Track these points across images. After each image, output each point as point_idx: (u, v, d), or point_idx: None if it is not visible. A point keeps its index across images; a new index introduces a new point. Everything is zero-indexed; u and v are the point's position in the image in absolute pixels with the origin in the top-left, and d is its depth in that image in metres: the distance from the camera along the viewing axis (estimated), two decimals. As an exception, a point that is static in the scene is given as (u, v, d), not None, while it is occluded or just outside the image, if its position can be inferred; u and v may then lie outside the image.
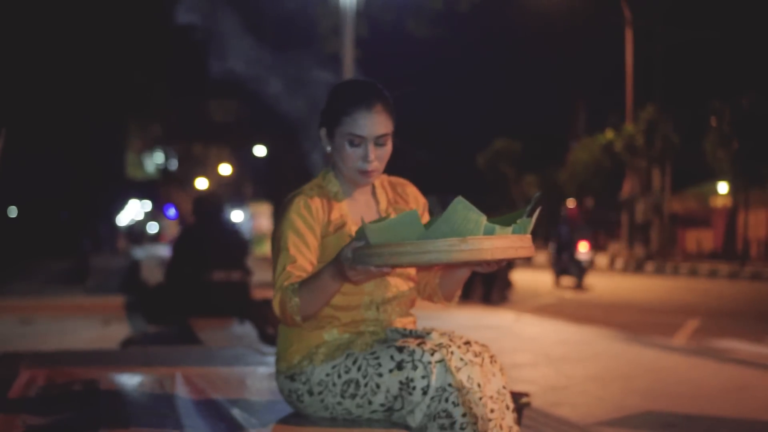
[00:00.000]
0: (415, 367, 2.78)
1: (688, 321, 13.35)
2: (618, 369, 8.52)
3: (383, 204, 3.21)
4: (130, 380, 3.89)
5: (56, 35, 34.18)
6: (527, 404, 3.66)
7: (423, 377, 2.76)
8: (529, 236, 2.63)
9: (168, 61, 39.87)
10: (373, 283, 3.04)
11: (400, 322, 3.11)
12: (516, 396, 3.39)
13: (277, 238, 3.04)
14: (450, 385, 2.75)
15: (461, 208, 2.53)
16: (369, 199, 3.21)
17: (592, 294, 19.43)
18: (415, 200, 3.29)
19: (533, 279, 23.84)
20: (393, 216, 3.12)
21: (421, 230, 2.55)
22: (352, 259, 2.64)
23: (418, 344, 2.82)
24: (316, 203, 3.06)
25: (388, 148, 3.06)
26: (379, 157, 3.03)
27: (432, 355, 2.78)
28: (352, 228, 3.07)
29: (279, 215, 3.08)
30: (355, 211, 3.14)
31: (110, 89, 39.86)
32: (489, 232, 2.56)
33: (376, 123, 2.98)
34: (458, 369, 2.80)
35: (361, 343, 2.99)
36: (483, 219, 2.54)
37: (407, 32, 22.26)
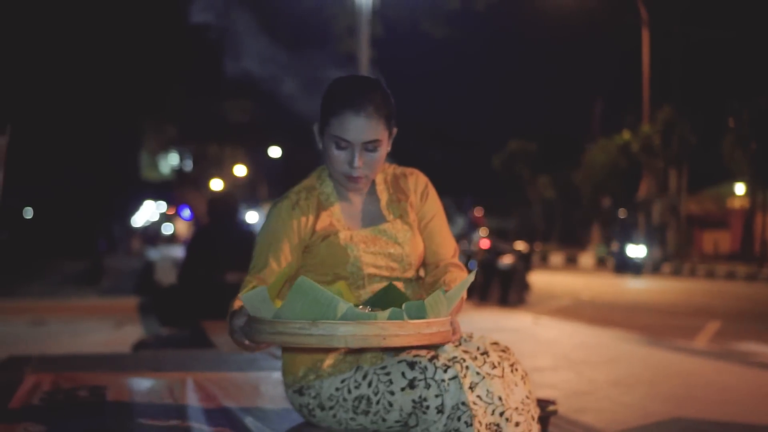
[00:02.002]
0: (428, 386, 2.60)
1: (708, 323, 13.20)
2: (641, 373, 8.35)
3: (383, 202, 3.02)
4: (139, 386, 3.75)
5: (72, 37, 34.21)
6: (554, 412, 3.49)
7: (437, 396, 2.59)
8: (421, 321, 2.30)
9: (183, 62, 39.88)
10: (369, 290, 2.89)
11: None
12: (542, 404, 3.22)
13: (255, 246, 2.93)
14: (463, 403, 2.58)
15: (307, 288, 2.29)
16: (366, 201, 3.02)
17: (609, 296, 19.27)
18: (414, 191, 3.06)
19: (550, 281, 23.71)
20: (391, 218, 2.96)
21: (272, 308, 2.35)
22: (241, 326, 2.46)
23: (431, 359, 2.64)
24: (301, 211, 2.91)
25: (380, 154, 2.84)
26: (367, 163, 2.82)
27: (445, 371, 2.60)
28: (342, 235, 2.90)
29: (264, 220, 2.96)
30: (349, 214, 2.97)
31: (125, 90, 39.91)
32: (350, 317, 2.27)
33: (364, 128, 2.77)
34: (474, 385, 2.62)
35: (370, 357, 2.84)
36: (338, 302, 2.27)
37: (423, 32, 22.16)
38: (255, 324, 2.32)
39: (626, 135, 36.23)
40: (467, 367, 2.63)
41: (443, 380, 2.58)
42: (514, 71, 49.79)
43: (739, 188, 34.89)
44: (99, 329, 11.61)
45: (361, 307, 2.43)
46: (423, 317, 2.33)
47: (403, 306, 2.34)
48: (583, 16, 36.84)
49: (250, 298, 2.36)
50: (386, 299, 2.61)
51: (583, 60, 43.57)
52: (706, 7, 36.20)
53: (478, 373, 2.62)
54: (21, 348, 8.86)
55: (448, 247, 3.04)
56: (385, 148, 2.86)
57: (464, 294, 2.79)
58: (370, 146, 2.80)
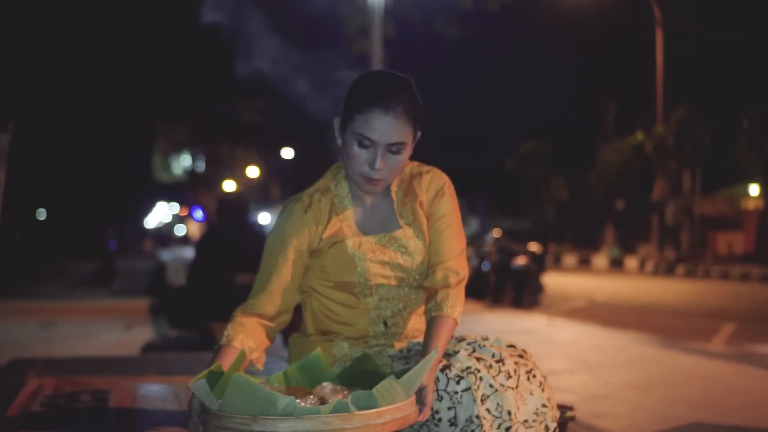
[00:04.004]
0: (440, 398, 2.50)
1: (723, 325, 13.08)
2: (658, 376, 8.23)
3: (396, 205, 2.89)
4: (144, 390, 3.63)
5: (85, 38, 34.25)
6: (572, 418, 3.37)
7: (449, 408, 2.50)
8: (371, 411, 2.17)
9: (195, 63, 39.92)
10: (378, 297, 2.79)
11: (419, 331, 2.87)
12: (560, 409, 3.10)
13: (264, 249, 2.83)
14: (477, 416, 2.47)
15: (243, 385, 2.19)
16: (380, 203, 2.88)
17: (623, 297, 19.16)
18: (426, 191, 2.91)
19: (563, 282, 23.59)
20: (403, 223, 2.85)
21: (214, 401, 2.27)
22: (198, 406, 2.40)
23: (443, 369, 2.54)
24: (312, 215, 2.79)
25: (403, 157, 2.70)
26: (389, 165, 2.68)
27: (458, 383, 2.50)
28: (350, 243, 2.78)
29: (276, 220, 2.85)
30: (361, 219, 2.85)
31: (137, 92, 39.97)
32: (291, 412, 2.14)
33: (391, 129, 2.62)
34: (486, 397, 2.51)
35: (380, 364, 2.71)
36: (277, 397, 2.15)
37: (435, 33, 22.09)
38: (204, 415, 2.29)
39: (639, 136, 36.08)
40: (481, 378, 2.52)
41: (456, 392, 2.48)
42: (527, 71, 49.65)
43: (753, 189, 34.71)
44: (109, 331, 11.57)
45: (314, 401, 2.28)
46: (373, 406, 2.20)
47: (349, 397, 2.20)
48: (597, 16, 36.69)
49: (197, 388, 2.30)
50: (360, 369, 2.52)
51: (596, 60, 43.39)
52: (719, 7, 36.07)
53: (491, 386, 2.51)
54: (30, 350, 8.82)
55: (451, 247, 2.84)
56: (408, 151, 2.72)
57: (458, 316, 2.69)
58: (394, 148, 2.66)
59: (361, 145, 2.65)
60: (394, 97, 2.63)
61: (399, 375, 2.32)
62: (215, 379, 2.35)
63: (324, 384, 2.34)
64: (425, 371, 2.34)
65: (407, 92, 2.68)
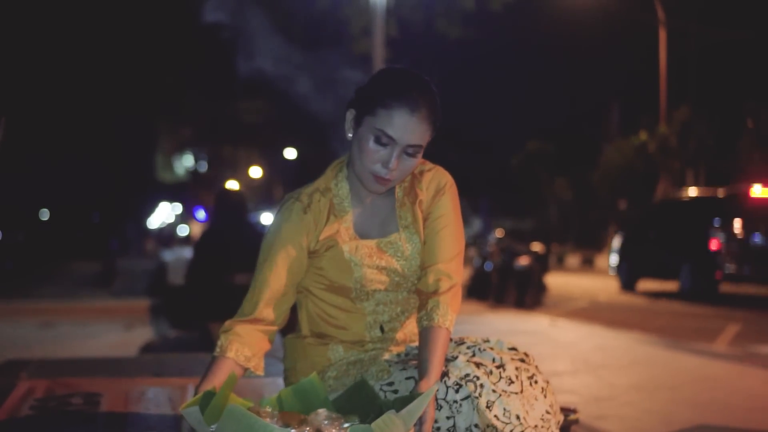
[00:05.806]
0: (439, 407, 2.43)
1: (727, 325, 12.98)
2: (662, 377, 8.16)
3: (397, 205, 2.81)
4: (137, 393, 3.55)
5: (87, 39, 34.26)
6: (576, 421, 3.30)
7: (448, 418, 2.42)
8: None
9: (198, 63, 39.89)
10: (374, 302, 2.72)
11: (417, 335, 2.76)
12: (563, 412, 3.02)
13: (261, 249, 2.75)
14: (476, 425, 2.40)
15: (238, 416, 2.14)
16: (381, 203, 2.80)
17: (626, 297, 19.08)
18: (427, 189, 2.82)
19: (566, 282, 23.52)
20: (402, 225, 2.77)
21: (207, 429, 2.23)
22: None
23: (442, 377, 2.46)
24: (312, 216, 2.71)
25: (416, 161, 2.63)
26: (401, 167, 2.61)
27: (457, 391, 2.42)
28: (347, 247, 2.70)
29: (274, 218, 2.77)
30: (361, 220, 2.77)
31: (140, 92, 39.97)
32: None
33: (413, 130, 2.55)
34: (491, 403, 2.42)
35: (376, 371, 2.66)
36: (273, 429, 2.11)
37: (438, 32, 22.05)
38: None
39: (643, 136, 36.00)
40: (482, 385, 2.43)
41: (455, 401, 2.40)
42: (530, 72, 49.60)
43: (757, 189, 34.64)
44: (109, 331, 11.53)
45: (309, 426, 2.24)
46: None
47: (348, 430, 2.15)
48: (600, 16, 36.65)
49: (189, 414, 2.26)
50: (357, 397, 2.45)
51: (599, 60, 43.35)
52: (723, 7, 36.00)
53: (494, 391, 2.43)
54: (28, 351, 8.76)
55: (446, 249, 2.74)
56: (420, 155, 2.65)
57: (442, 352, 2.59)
58: (411, 150, 2.59)
59: (378, 141, 2.57)
60: (422, 98, 2.57)
61: (398, 407, 2.25)
62: (208, 398, 2.28)
63: (319, 411, 2.27)
64: (424, 404, 2.27)
65: (432, 94, 2.62)
